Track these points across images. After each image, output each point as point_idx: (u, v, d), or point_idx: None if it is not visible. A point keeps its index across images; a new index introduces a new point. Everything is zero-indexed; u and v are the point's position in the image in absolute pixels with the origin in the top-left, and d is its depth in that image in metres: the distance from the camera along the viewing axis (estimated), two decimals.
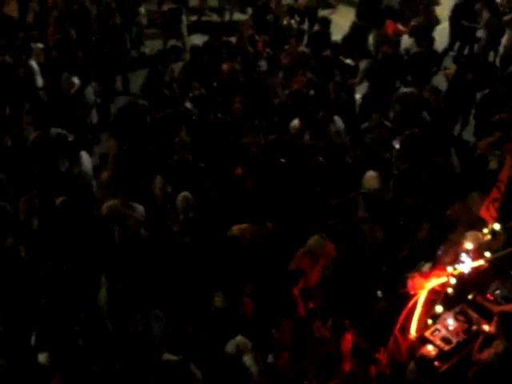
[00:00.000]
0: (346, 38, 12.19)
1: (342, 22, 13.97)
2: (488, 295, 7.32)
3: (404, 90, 10.75)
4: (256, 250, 7.60)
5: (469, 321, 7.10)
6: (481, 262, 7.10)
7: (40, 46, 11.15)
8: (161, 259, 7.63)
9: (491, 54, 13.37)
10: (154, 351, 6.59)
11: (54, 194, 8.04)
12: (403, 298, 6.93)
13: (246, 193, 8.39)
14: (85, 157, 8.90)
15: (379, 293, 7.52)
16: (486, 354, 6.49)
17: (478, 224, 7.51)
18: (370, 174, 8.49)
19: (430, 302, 6.95)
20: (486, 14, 12.96)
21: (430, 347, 6.86)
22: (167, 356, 6.39)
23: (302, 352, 6.73)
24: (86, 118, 10.19)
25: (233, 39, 11.88)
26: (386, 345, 6.84)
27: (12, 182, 8.48)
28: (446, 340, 6.90)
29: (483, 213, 7.35)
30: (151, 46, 13.24)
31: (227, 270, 7.41)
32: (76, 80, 10.16)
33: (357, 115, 10.59)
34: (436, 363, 6.69)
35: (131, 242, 7.88)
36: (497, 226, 7.35)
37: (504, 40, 12.72)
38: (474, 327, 7.01)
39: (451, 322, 7.06)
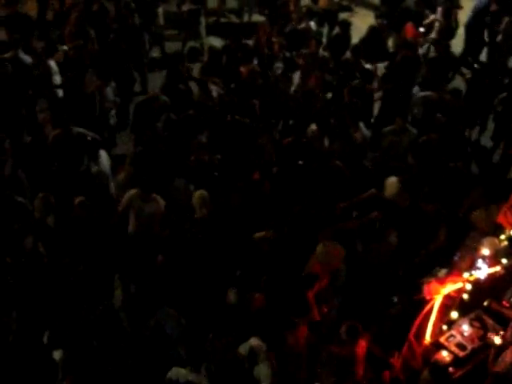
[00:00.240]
0: (362, 41, 12.12)
1: (359, 24, 13.90)
2: (504, 302, 7.24)
3: (423, 93, 10.64)
4: (273, 253, 7.60)
5: (484, 327, 7.02)
6: (497, 269, 7.06)
7: (65, 47, 11.18)
8: (175, 257, 7.65)
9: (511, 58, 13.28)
10: (167, 350, 6.60)
11: (72, 192, 8.08)
12: (418, 304, 6.90)
13: (264, 195, 8.38)
14: (104, 156, 8.96)
15: (394, 298, 7.49)
16: (503, 365, 6.41)
17: (496, 230, 7.47)
18: (391, 180, 8.44)
19: (445, 307, 6.92)
20: (506, 19, 12.88)
21: (444, 353, 6.78)
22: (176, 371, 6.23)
23: (314, 356, 6.71)
24: (105, 118, 10.23)
25: (250, 41, 11.88)
26: (400, 350, 6.81)
27: (30, 180, 8.52)
28: (460, 346, 6.82)
29: (501, 219, 7.31)
30: (170, 47, 13.29)
31: (242, 270, 7.43)
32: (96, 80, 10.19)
33: (375, 119, 10.55)
34: (450, 369, 6.63)
35: (147, 236, 7.89)
36: None
37: None
38: (489, 335, 6.95)
39: (466, 329, 6.98)
